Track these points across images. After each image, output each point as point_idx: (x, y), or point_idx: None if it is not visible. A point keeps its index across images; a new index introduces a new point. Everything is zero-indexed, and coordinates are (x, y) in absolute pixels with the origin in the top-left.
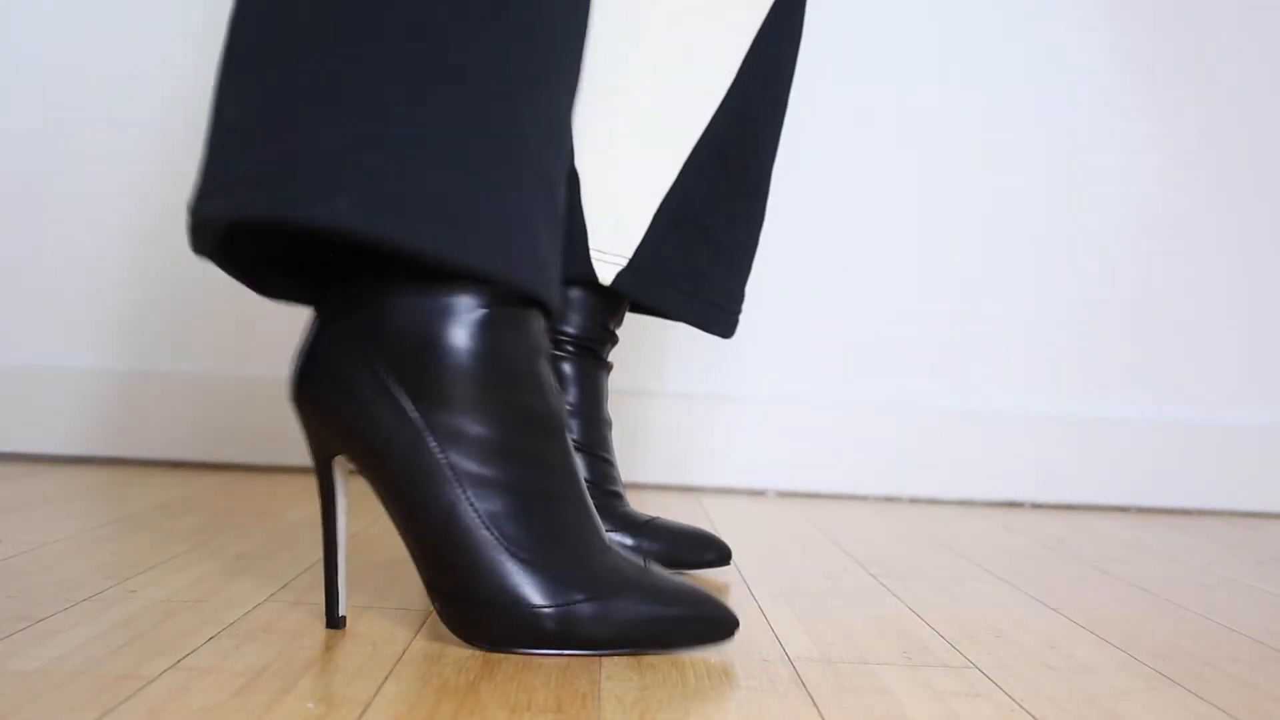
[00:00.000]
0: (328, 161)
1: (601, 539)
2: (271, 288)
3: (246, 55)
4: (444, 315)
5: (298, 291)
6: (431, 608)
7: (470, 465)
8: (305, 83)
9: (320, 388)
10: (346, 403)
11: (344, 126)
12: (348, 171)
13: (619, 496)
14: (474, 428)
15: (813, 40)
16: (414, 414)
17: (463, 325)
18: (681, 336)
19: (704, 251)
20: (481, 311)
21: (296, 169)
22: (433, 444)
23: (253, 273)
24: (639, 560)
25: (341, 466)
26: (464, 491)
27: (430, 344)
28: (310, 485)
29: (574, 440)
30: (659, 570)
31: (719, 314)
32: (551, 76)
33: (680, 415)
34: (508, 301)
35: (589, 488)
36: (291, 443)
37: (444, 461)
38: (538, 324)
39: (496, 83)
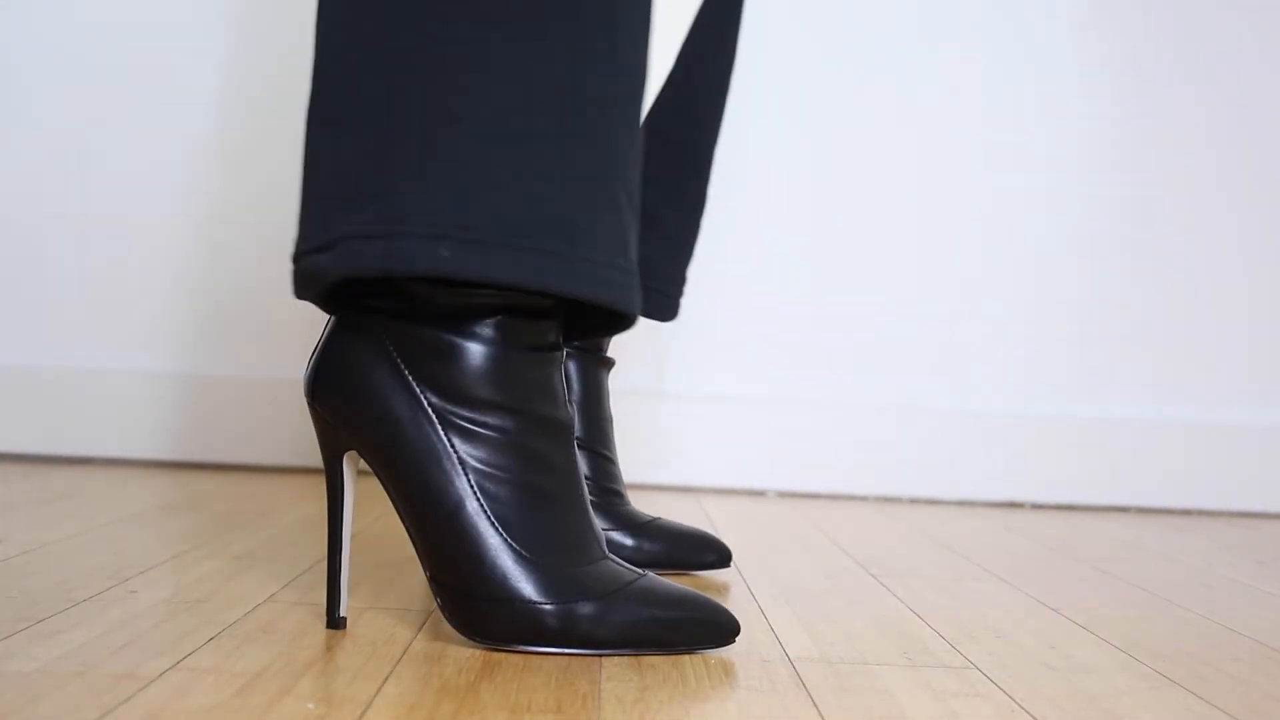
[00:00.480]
0: (430, 216)
1: (601, 547)
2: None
3: (335, 107)
4: (462, 316)
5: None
6: (432, 607)
7: (480, 462)
8: (398, 133)
9: (337, 380)
10: (363, 394)
11: (440, 175)
12: (449, 221)
13: (620, 495)
14: (486, 426)
15: (812, 39)
16: (429, 407)
17: (479, 327)
18: (681, 336)
19: (649, 239)
20: (498, 315)
21: (400, 226)
22: (445, 437)
23: (334, 300)
24: (637, 568)
25: (350, 464)
26: (473, 487)
27: (447, 343)
28: (310, 485)
29: (576, 437)
30: (658, 578)
31: (661, 300)
32: (632, 88)
33: (680, 415)
34: (524, 308)
35: (590, 485)
36: (292, 443)
37: (455, 456)
38: (552, 332)
39: (585, 109)
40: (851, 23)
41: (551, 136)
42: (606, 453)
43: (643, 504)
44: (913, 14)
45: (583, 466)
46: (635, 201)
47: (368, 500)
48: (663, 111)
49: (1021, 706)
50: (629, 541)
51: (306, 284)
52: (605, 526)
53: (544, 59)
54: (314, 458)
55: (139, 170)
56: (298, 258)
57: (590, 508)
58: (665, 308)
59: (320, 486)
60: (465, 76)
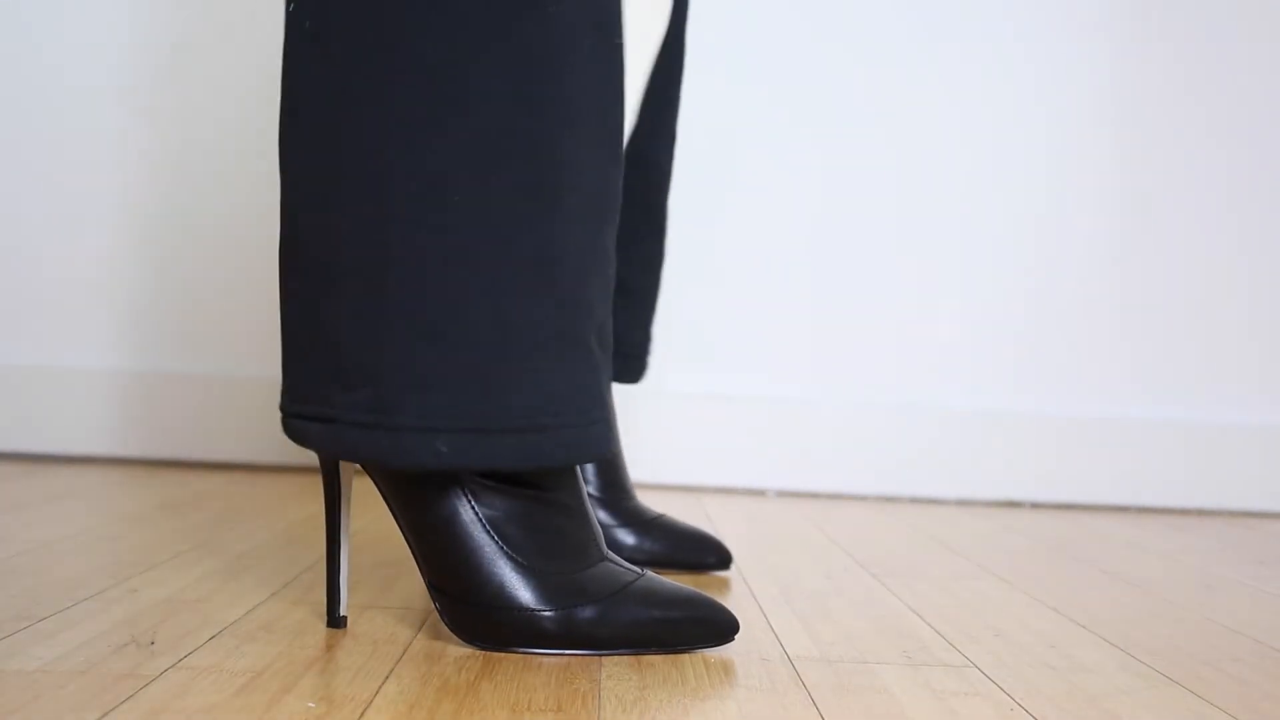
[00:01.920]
0: (424, 406)
1: (600, 548)
2: None
3: (319, 260)
4: None
5: None
6: (432, 607)
7: (475, 471)
8: (392, 309)
9: None
10: None
11: (434, 363)
12: (444, 412)
13: (625, 490)
14: None
15: (813, 40)
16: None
17: None
18: (681, 337)
19: (615, 302)
20: None
21: (396, 417)
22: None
23: None
24: (636, 567)
25: (347, 466)
26: (467, 496)
27: None
28: (311, 485)
29: None
30: (657, 577)
31: (626, 364)
32: (610, 218)
33: (680, 415)
34: None
35: (595, 479)
36: (292, 442)
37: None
38: None
39: (567, 270)
40: (851, 24)
41: (537, 309)
42: None
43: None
44: (913, 13)
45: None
46: (608, 338)
47: (368, 500)
48: (626, 172)
49: (1021, 706)
50: (631, 539)
51: (298, 440)
52: (609, 522)
53: (532, 226)
54: (313, 456)
55: (143, 169)
56: (287, 413)
57: (589, 509)
58: (633, 370)
59: (320, 485)
60: (462, 255)
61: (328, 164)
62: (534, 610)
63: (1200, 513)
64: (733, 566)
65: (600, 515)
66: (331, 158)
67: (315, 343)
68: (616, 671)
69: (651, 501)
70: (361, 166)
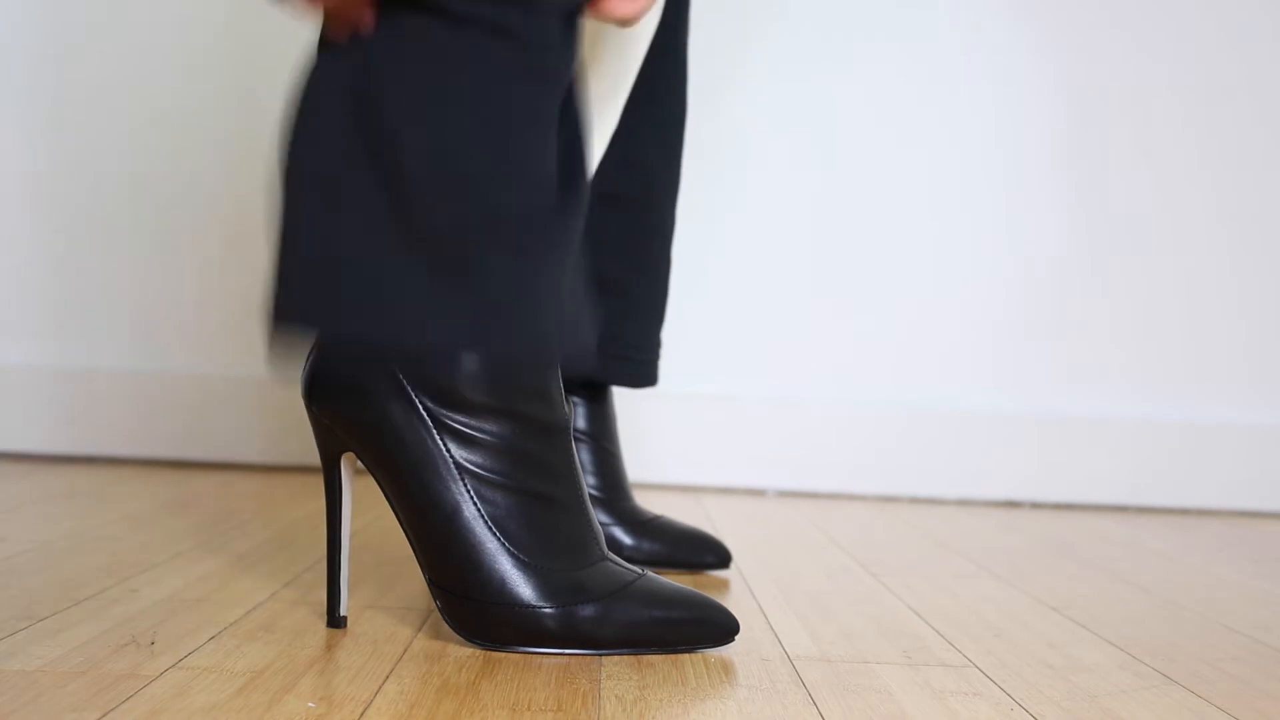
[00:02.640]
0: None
1: (600, 548)
2: None
3: (313, 184)
4: None
5: None
6: (433, 606)
7: (476, 467)
8: (380, 219)
9: (333, 383)
10: (359, 398)
11: (431, 269)
12: (465, 306)
13: (622, 490)
14: (482, 431)
15: (807, 45)
16: (424, 411)
17: None
18: (681, 336)
19: (607, 303)
20: None
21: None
22: (441, 442)
23: None
24: (636, 567)
25: (348, 465)
26: (469, 492)
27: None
28: (311, 484)
29: (580, 430)
30: (657, 577)
31: (630, 366)
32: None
33: (680, 415)
34: None
35: (593, 479)
36: (292, 442)
37: (451, 461)
38: None
39: (547, 183)
40: (843, 33)
41: (559, 238)
42: (610, 446)
43: (642, 503)
44: (902, 20)
45: (586, 460)
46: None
47: (368, 499)
48: (612, 174)
49: (1021, 705)
50: (629, 540)
51: (285, 320)
52: (606, 522)
53: (528, 134)
54: (313, 456)
55: (146, 168)
56: (277, 314)
57: (590, 508)
58: (639, 374)
59: (321, 485)
60: (481, 211)
61: (340, 154)
62: (535, 607)
63: (1200, 513)
64: (733, 566)
65: (598, 515)
66: (345, 146)
67: (310, 260)
68: (616, 671)
69: (651, 501)
70: (379, 147)
